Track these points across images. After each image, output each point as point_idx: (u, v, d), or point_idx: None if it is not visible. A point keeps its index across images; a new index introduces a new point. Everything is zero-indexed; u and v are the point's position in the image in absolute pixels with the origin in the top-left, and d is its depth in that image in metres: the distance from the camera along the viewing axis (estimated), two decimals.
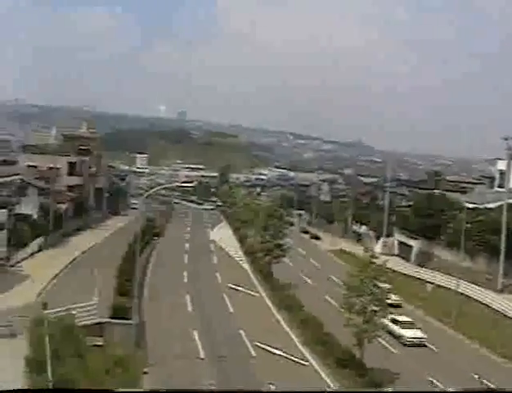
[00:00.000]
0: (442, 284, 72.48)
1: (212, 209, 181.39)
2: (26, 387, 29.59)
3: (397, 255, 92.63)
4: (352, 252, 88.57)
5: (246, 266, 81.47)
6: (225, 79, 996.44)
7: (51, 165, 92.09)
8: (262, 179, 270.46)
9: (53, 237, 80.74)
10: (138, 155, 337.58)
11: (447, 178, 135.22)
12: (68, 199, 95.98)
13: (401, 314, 57.08)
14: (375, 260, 43.71)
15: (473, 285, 67.90)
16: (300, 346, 48.00)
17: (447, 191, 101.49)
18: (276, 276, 71.07)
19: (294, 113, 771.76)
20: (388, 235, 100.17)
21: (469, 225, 70.69)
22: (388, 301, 59.18)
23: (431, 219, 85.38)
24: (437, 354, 50.49)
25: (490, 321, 59.53)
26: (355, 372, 41.06)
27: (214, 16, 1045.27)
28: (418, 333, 53.17)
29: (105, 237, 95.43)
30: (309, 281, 76.24)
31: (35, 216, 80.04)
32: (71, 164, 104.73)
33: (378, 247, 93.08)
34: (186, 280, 70.04)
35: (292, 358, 44.90)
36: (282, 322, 54.83)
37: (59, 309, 42.06)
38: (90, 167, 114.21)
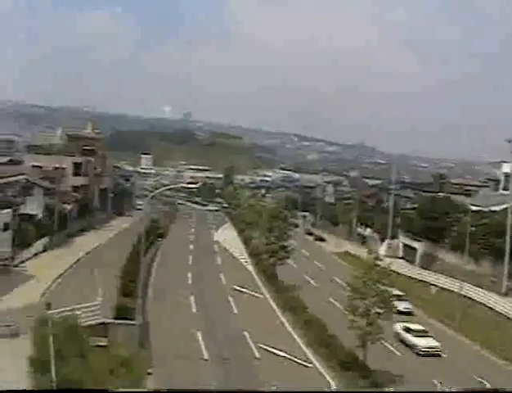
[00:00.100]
0: (446, 287, 72.38)
1: (216, 210, 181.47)
2: (26, 388, 29.64)
3: (401, 258, 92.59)
4: (357, 254, 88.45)
5: (250, 267, 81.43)
6: (226, 80, 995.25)
7: (57, 165, 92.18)
8: (267, 181, 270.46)
9: (58, 237, 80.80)
10: (143, 156, 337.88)
11: (452, 180, 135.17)
12: (73, 199, 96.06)
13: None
14: (379, 262, 43.67)
15: (477, 288, 67.79)
16: (304, 348, 47.95)
17: (452, 193, 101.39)
18: (281, 277, 71.05)
19: (297, 114, 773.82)
20: (393, 237, 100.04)
21: (473, 228, 70.56)
22: (400, 308, 59.37)
23: (435, 222, 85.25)
24: (440, 357, 50.41)
25: (493, 323, 59.46)
26: (358, 374, 41.02)
27: (215, 17, 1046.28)
28: (432, 342, 51.31)
29: (109, 238, 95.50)
30: (313, 283, 76.20)
31: (40, 216, 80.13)
32: (76, 165, 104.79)
33: (382, 249, 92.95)
34: (190, 281, 70.04)
35: (296, 359, 44.86)
36: (286, 324, 54.78)
37: (63, 310, 42.10)
38: (95, 167, 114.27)
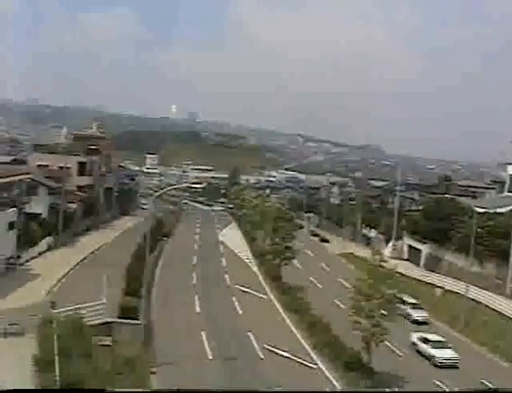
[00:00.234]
0: (451, 289, 72.19)
1: (221, 210, 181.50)
2: (26, 387, 29.64)
3: (406, 259, 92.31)
4: (362, 256, 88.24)
5: (255, 268, 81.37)
6: (231, 82, 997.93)
7: (62, 165, 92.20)
8: (272, 181, 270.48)
9: (63, 236, 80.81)
10: (148, 156, 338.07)
11: (458, 182, 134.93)
12: (78, 199, 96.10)
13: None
14: (383, 264, 43.58)
15: (482, 290, 67.58)
16: (308, 349, 47.89)
17: (458, 195, 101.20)
18: (285, 278, 70.98)
19: (304, 116, 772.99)
20: (398, 239, 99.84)
21: (479, 230, 70.36)
22: (415, 317, 58.73)
23: (441, 224, 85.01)
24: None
25: (498, 326, 59.25)
26: (362, 375, 40.97)
27: (222, 19, 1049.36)
28: (451, 353, 49.46)
29: (114, 237, 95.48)
30: (318, 284, 76.10)
31: (45, 215, 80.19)
32: (81, 164, 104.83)
33: (387, 251, 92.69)
34: (194, 281, 70.01)
35: (300, 360, 44.80)
36: (290, 325, 54.72)
37: (67, 309, 42.12)
38: (100, 167, 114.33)
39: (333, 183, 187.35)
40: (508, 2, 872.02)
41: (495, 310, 64.26)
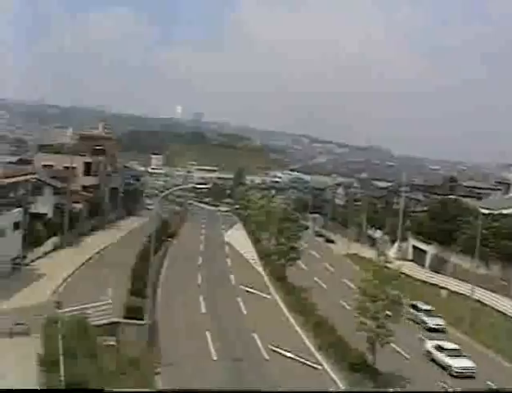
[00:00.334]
0: (456, 290, 72.18)
1: (226, 211, 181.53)
2: (30, 387, 29.71)
3: (411, 260, 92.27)
4: (367, 256, 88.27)
5: (260, 269, 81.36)
6: (235, 83, 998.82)
7: (67, 165, 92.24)
8: (277, 182, 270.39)
9: (68, 236, 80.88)
10: (153, 156, 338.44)
11: (463, 183, 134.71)
12: (83, 199, 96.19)
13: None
14: (389, 265, 43.55)
15: (487, 291, 67.56)
16: (313, 350, 47.88)
17: (463, 196, 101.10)
18: (290, 279, 70.99)
19: (308, 117, 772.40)
20: (403, 240, 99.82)
21: (484, 231, 70.30)
22: (430, 325, 57.78)
23: (446, 225, 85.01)
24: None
25: (503, 327, 59.22)
26: (367, 377, 40.97)
27: (226, 20, 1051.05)
28: (467, 363, 47.16)
29: (119, 238, 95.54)
30: (323, 284, 76.05)
31: (50, 215, 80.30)
32: (87, 164, 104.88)
33: (392, 252, 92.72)
34: (199, 281, 70.04)
35: (305, 361, 44.80)
36: (295, 326, 54.72)
37: (73, 309, 42.21)
38: (105, 167, 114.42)
39: (338, 184, 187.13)
40: (509, 2, 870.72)
41: (500, 312, 64.31)
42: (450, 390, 42.26)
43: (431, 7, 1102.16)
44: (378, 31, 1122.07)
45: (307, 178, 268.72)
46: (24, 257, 65.15)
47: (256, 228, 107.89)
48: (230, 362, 43.71)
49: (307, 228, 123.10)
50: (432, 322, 59.43)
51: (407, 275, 74.04)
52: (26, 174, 73.30)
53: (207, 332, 49.68)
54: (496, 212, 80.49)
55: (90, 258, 74.54)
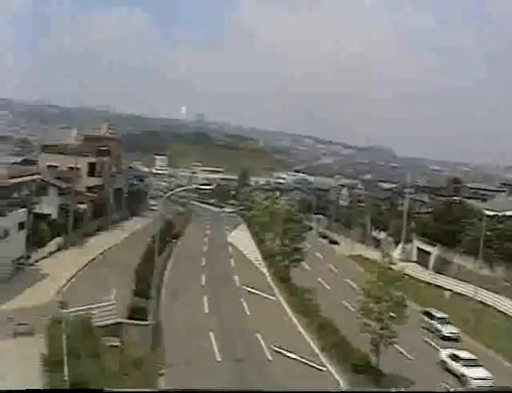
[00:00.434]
0: (460, 291, 72.13)
1: (230, 212, 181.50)
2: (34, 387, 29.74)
3: (415, 262, 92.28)
4: (371, 258, 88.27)
5: (264, 270, 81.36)
6: (238, 83, 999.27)
7: (72, 165, 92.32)
8: (281, 183, 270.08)
9: (72, 236, 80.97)
10: (157, 157, 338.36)
11: (468, 185, 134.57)
12: (87, 199, 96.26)
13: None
14: (393, 266, 43.52)
15: (491, 293, 67.50)
16: (317, 351, 47.88)
17: (467, 198, 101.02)
18: (294, 280, 70.97)
19: (312, 118, 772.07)
20: (407, 241, 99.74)
21: (488, 233, 70.22)
22: (444, 333, 56.32)
23: (450, 226, 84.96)
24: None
25: (507, 329, 59.15)
26: (371, 378, 40.96)
27: (227, 20, 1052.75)
28: (484, 373, 45.15)
29: (123, 238, 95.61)
30: (327, 286, 76.04)
31: (55, 216, 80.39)
32: (91, 165, 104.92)
33: (396, 253, 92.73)
34: (203, 282, 70.07)
35: (308, 362, 44.78)
36: (299, 327, 54.71)
37: (77, 309, 42.26)
38: (110, 168, 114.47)
39: (342, 185, 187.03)
40: (510, 2, 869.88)
41: (503, 313, 64.25)
42: (451, 390, 42.25)
43: (432, 7, 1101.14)
44: (378, 31, 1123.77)
45: (311, 179, 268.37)
46: (28, 257, 65.24)
47: (260, 228, 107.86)
48: (233, 363, 43.72)
49: (310, 229, 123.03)
50: (445, 330, 57.39)
51: (411, 276, 74.12)
52: (31, 175, 73.41)
53: (211, 333, 49.70)
54: (500, 214, 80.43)
55: (94, 258, 74.62)
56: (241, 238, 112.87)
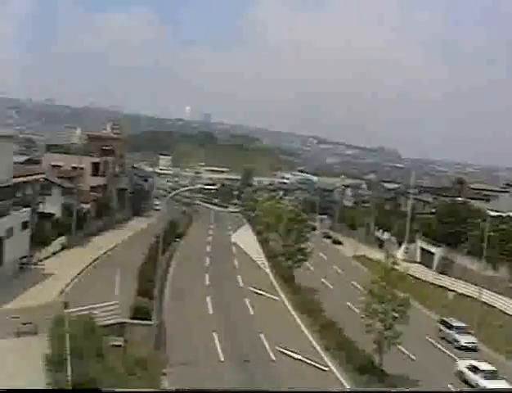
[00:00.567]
0: (463, 292, 71.99)
1: (234, 212, 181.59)
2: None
3: (419, 262, 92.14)
4: (374, 258, 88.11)
5: (268, 270, 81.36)
6: (243, 84, 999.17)
7: (75, 165, 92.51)
8: (285, 183, 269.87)
9: (76, 236, 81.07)
10: (162, 157, 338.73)
11: (471, 185, 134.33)
12: (91, 199, 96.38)
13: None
14: (396, 267, 43.49)
15: (495, 294, 67.35)
16: (320, 351, 47.84)
17: (471, 198, 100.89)
18: (298, 280, 70.95)
19: (317, 118, 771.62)
20: (411, 241, 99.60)
21: (492, 233, 70.10)
22: (462, 343, 53.84)
23: (454, 227, 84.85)
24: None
25: (510, 329, 59.03)
26: (375, 378, 40.93)
27: (238, 21, 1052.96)
28: (504, 385, 42.62)
29: (127, 238, 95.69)
30: (330, 286, 76.00)
31: (58, 215, 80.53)
32: (95, 165, 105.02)
33: (400, 254, 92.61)
34: (207, 282, 70.08)
35: (312, 363, 44.74)
36: (302, 327, 54.68)
37: (80, 309, 42.27)
38: (113, 167, 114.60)
39: (346, 186, 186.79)
40: None
41: (507, 314, 64.07)
42: (453, 390, 42.19)
43: (443, 7, 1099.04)
44: (390, 32, 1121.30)
45: (315, 179, 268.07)
46: (32, 257, 65.31)
47: (263, 229, 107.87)
48: (237, 363, 43.72)
49: (314, 229, 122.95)
50: (463, 339, 54.48)
51: (415, 277, 74.02)
52: (35, 174, 73.55)
53: (214, 333, 49.70)
54: (504, 214, 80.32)
55: (97, 258, 74.68)
56: (245, 238, 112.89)
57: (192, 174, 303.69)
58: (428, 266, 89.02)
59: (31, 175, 71.74)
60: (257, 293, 66.66)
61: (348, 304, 63.82)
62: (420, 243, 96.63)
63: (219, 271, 77.15)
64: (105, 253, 78.95)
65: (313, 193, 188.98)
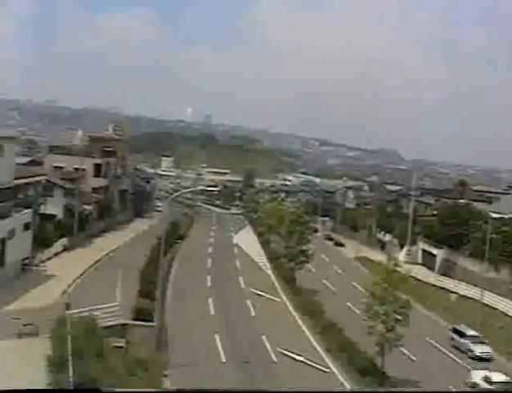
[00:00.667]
0: (465, 294, 71.95)
1: (236, 213, 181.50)
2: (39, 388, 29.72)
3: (420, 264, 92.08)
4: (376, 260, 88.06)
5: (269, 271, 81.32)
6: (244, 85, 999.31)
7: (77, 166, 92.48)
8: (287, 185, 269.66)
9: (78, 237, 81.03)
10: (163, 158, 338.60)
11: (473, 187, 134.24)
12: (93, 200, 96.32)
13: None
14: (398, 269, 43.47)
15: (497, 296, 67.31)
16: (322, 353, 47.82)
17: (473, 200, 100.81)
18: (299, 282, 70.91)
19: (318, 119, 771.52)
20: (413, 243, 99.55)
21: (493, 235, 70.06)
22: (476, 353, 51.98)
23: (456, 229, 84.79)
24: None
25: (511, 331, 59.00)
26: (376, 380, 40.91)
27: (238, 21, 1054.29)
28: None
29: (129, 239, 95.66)
30: (332, 287, 75.96)
31: (60, 217, 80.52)
32: (96, 166, 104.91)
33: (402, 255, 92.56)
34: (209, 283, 70.05)
35: (313, 364, 44.72)
36: (304, 328, 54.67)
37: (82, 310, 42.25)
38: (115, 169, 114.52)
39: (348, 187, 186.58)
40: None
41: (508, 316, 64.04)
42: (453, 390, 42.15)
43: (444, 7, 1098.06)
44: (390, 32, 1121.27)
45: (317, 181, 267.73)
46: (34, 258, 65.30)
47: (265, 230, 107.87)
48: (238, 364, 43.72)
49: (316, 230, 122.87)
50: (478, 349, 52.58)
51: (417, 279, 74.00)
52: (36, 176, 73.54)
53: (215, 334, 49.68)
54: (506, 216, 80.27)
55: (99, 259, 74.65)
56: (247, 240, 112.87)
57: (194, 176, 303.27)
58: (430, 268, 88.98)
59: (33, 176, 71.71)
60: (258, 294, 66.63)
61: (350, 305, 63.84)
62: (422, 245, 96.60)
63: (221, 272, 77.13)
64: (106, 254, 78.91)
65: (315, 195, 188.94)
